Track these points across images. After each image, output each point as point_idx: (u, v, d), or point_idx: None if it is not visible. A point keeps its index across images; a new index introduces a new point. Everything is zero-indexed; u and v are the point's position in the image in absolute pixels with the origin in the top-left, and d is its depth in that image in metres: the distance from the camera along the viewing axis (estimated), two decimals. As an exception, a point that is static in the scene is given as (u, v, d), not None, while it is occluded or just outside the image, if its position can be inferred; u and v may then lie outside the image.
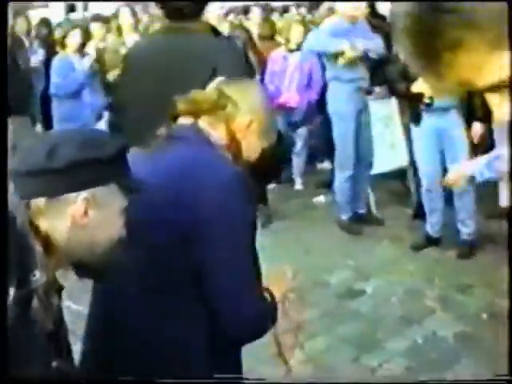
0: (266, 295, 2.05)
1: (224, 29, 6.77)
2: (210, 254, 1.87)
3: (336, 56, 6.23)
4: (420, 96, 5.64)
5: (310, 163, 8.38)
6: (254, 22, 8.94)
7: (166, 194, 1.88)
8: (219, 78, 2.11)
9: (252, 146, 2.08)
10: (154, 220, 1.90)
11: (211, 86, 2.06)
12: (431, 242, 6.03)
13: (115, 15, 8.58)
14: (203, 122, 2.02)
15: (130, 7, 8.32)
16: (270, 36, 8.18)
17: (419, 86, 5.54)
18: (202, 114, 2.02)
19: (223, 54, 2.72)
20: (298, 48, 7.33)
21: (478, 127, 5.87)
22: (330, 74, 6.54)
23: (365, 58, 6.29)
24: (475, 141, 5.86)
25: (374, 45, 6.29)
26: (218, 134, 2.01)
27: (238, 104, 2.01)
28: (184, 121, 2.04)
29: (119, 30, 8.12)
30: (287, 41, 7.56)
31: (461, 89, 1.08)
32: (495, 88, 1.06)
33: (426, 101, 5.63)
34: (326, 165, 8.24)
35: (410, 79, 5.60)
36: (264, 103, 2.13)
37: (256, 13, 9.25)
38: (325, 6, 8.78)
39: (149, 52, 2.89)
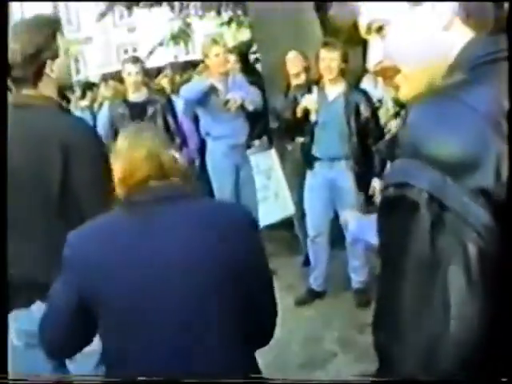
0: None
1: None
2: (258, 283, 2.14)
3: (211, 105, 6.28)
4: (307, 113, 5.68)
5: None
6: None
7: (210, 240, 2.02)
8: None
9: None
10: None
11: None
12: (314, 295, 5.95)
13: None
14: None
15: None
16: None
17: (304, 104, 5.67)
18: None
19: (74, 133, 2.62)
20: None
21: (377, 184, 5.56)
22: (203, 130, 6.60)
23: (242, 109, 6.39)
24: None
25: (251, 96, 6.42)
26: None
27: None
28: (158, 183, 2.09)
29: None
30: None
31: None
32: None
33: (313, 117, 5.65)
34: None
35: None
36: None
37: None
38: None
39: None
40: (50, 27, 2.74)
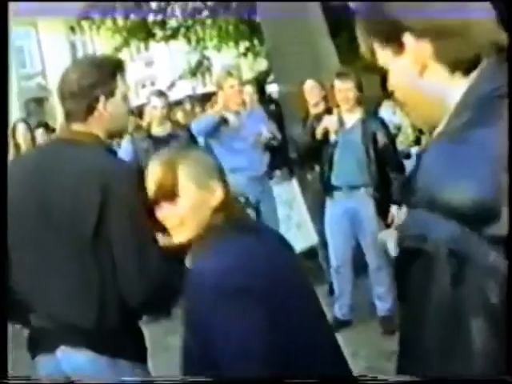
0: None
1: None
2: None
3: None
4: (326, 137, 5.66)
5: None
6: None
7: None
8: None
9: None
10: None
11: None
12: (340, 324, 5.77)
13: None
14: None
15: (25, 123, 8.24)
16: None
17: (324, 124, 5.65)
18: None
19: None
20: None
21: (394, 211, 5.50)
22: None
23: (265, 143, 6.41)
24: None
25: (270, 132, 6.42)
26: None
27: None
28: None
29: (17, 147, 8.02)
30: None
31: None
32: None
33: (333, 136, 5.63)
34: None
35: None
36: None
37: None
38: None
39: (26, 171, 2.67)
40: (112, 65, 2.71)
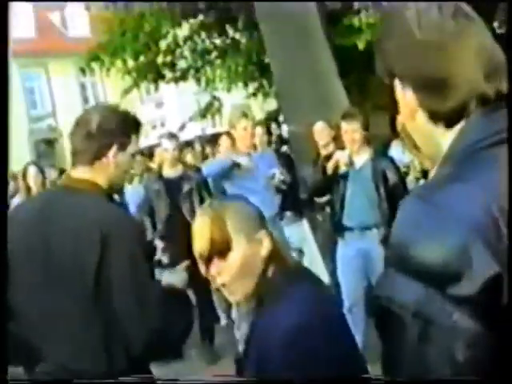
0: None
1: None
2: None
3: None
4: (336, 169, 5.66)
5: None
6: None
7: None
8: None
9: None
10: None
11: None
12: None
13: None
14: None
15: (36, 165, 8.25)
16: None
17: (336, 157, 5.65)
18: None
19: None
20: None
21: None
22: None
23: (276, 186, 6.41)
24: None
25: (281, 174, 6.44)
26: None
27: None
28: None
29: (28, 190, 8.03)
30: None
31: None
32: None
33: (343, 168, 5.62)
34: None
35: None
36: None
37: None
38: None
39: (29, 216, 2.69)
40: (132, 122, 2.76)
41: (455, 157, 1.31)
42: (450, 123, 1.36)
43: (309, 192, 6.34)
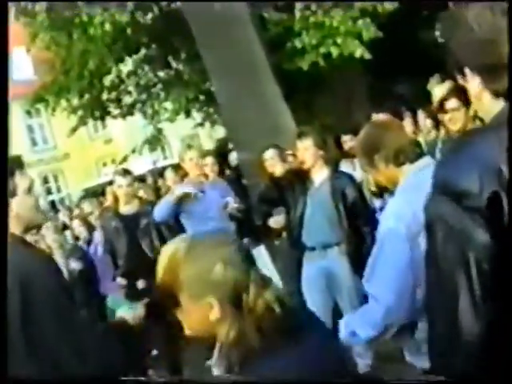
0: None
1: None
2: None
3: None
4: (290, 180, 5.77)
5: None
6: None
7: None
8: None
9: None
10: None
11: None
12: None
13: None
14: None
15: None
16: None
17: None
18: None
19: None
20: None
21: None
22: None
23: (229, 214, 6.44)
24: None
25: (234, 202, 6.47)
26: None
27: None
28: None
29: None
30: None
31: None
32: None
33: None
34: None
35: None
36: None
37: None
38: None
39: None
40: (9, 165, 2.75)
41: (499, 119, 1.74)
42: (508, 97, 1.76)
43: (257, 199, 6.38)
